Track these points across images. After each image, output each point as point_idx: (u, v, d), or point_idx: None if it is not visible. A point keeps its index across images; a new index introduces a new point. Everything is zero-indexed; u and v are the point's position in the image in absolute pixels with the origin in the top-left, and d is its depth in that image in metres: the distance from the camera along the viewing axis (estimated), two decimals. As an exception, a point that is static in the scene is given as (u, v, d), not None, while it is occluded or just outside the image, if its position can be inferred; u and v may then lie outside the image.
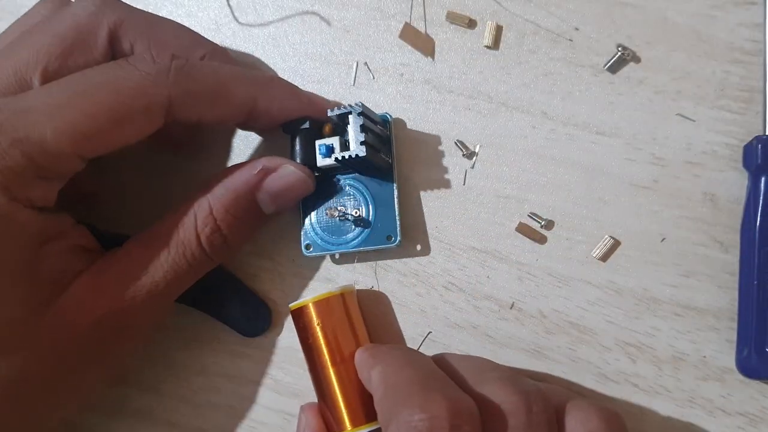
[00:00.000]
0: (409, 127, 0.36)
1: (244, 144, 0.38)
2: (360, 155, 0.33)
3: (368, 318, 0.36)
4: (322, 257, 0.37)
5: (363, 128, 0.33)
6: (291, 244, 0.37)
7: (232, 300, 0.37)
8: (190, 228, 0.33)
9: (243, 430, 0.39)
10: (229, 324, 0.38)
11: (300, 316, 0.35)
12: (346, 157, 0.33)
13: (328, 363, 0.34)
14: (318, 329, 0.34)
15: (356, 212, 0.36)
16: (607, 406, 0.30)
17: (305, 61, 0.37)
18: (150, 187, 0.39)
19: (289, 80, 0.37)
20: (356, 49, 0.36)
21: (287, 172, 0.34)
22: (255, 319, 0.37)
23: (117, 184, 0.40)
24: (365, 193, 0.36)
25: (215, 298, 0.37)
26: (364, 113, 0.33)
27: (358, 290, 0.37)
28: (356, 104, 0.33)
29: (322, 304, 0.34)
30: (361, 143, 0.33)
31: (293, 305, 0.35)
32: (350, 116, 0.33)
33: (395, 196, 0.35)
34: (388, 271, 0.36)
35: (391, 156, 0.35)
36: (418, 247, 0.36)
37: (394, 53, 0.36)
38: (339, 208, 0.36)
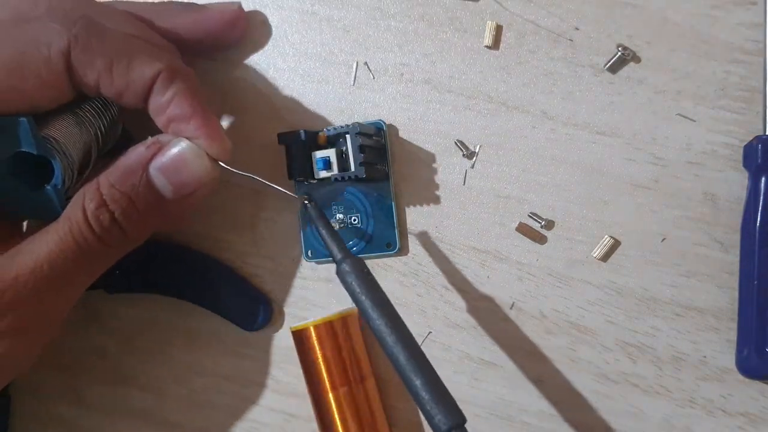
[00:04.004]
0: (409, 127, 0.36)
1: (243, 147, 0.38)
2: (360, 176, 0.33)
3: (369, 339, 0.36)
4: (322, 257, 0.37)
5: (361, 148, 0.33)
6: (292, 244, 0.37)
7: (232, 293, 0.37)
8: (78, 203, 0.30)
9: (243, 430, 0.39)
10: (229, 317, 0.38)
11: (301, 339, 0.35)
12: (346, 178, 0.33)
13: (328, 387, 0.34)
14: (318, 354, 0.34)
15: (354, 219, 0.36)
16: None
17: (305, 61, 0.37)
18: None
19: (289, 80, 0.37)
20: (356, 49, 0.36)
21: (177, 145, 0.31)
22: (255, 312, 0.37)
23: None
24: (363, 202, 0.36)
25: (215, 291, 0.37)
26: (361, 132, 0.33)
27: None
28: (353, 124, 0.33)
29: (323, 328, 0.34)
30: (360, 164, 0.33)
31: (294, 327, 0.35)
32: (348, 137, 0.33)
33: (393, 205, 0.35)
34: (388, 271, 0.36)
35: (387, 164, 0.35)
36: (418, 248, 0.36)
37: (394, 53, 0.36)
38: (338, 216, 0.36)
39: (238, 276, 0.38)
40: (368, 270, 0.30)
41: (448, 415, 0.27)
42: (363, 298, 0.29)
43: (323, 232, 0.31)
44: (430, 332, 0.36)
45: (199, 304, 0.38)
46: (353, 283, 0.29)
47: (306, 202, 0.32)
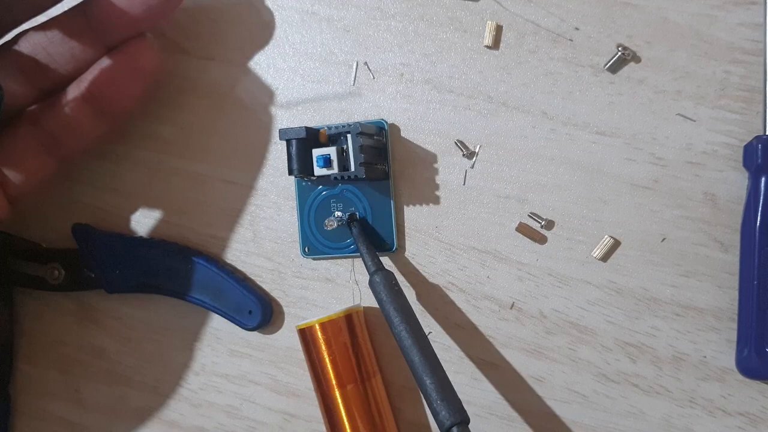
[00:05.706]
0: (409, 126, 0.36)
1: (242, 147, 0.38)
2: (360, 176, 0.33)
3: (375, 337, 0.37)
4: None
5: (362, 148, 0.33)
6: (291, 244, 0.37)
7: (232, 293, 0.37)
8: None
9: (243, 430, 0.39)
10: (229, 317, 0.38)
11: (306, 337, 0.35)
12: (345, 177, 0.33)
13: (334, 385, 0.34)
14: (324, 351, 0.34)
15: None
16: None
17: (305, 61, 0.37)
18: (150, 187, 0.39)
19: (289, 80, 0.37)
20: (356, 49, 0.36)
21: None
22: (254, 312, 0.37)
23: (116, 185, 0.40)
24: (362, 200, 0.36)
25: (215, 291, 0.37)
26: (362, 132, 0.33)
27: (365, 307, 0.37)
28: (354, 123, 0.33)
29: (329, 325, 0.34)
30: (360, 164, 0.33)
31: (300, 325, 0.35)
32: (349, 136, 0.33)
33: (392, 204, 0.35)
34: (388, 271, 0.36)
35: (387, 164, 0.35)
36: (418, 248, 0.36)
37: (394, 53, 0.36)
38: (336, 214, 0.36)
39: (238, 276, 0.38)
40: (396, 282, 0.33)
41: (452, 412, 0.29)
42: (389, 306, 0.32)
43: (361, 247, 0.34)
44: (430, 332, 0.36)
45: (199, 304, 0.38)
46: (381, 292, 0.32)
47: (349, 221, 0.35)
